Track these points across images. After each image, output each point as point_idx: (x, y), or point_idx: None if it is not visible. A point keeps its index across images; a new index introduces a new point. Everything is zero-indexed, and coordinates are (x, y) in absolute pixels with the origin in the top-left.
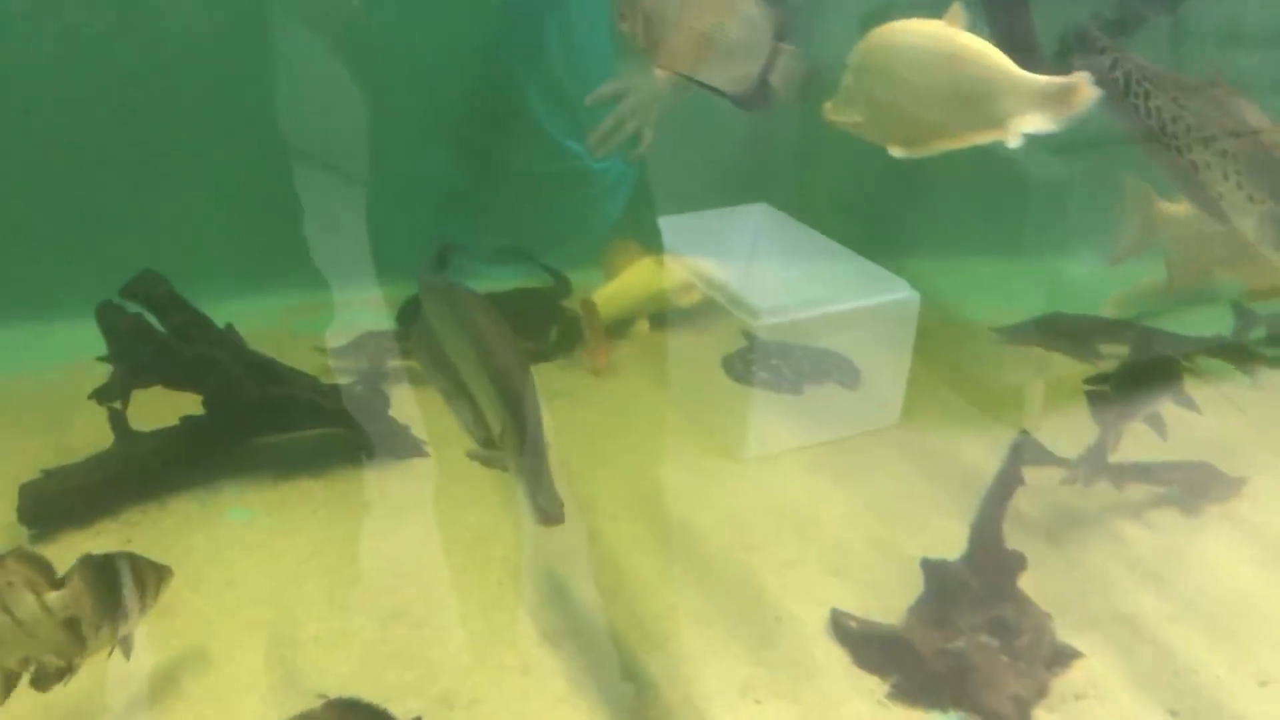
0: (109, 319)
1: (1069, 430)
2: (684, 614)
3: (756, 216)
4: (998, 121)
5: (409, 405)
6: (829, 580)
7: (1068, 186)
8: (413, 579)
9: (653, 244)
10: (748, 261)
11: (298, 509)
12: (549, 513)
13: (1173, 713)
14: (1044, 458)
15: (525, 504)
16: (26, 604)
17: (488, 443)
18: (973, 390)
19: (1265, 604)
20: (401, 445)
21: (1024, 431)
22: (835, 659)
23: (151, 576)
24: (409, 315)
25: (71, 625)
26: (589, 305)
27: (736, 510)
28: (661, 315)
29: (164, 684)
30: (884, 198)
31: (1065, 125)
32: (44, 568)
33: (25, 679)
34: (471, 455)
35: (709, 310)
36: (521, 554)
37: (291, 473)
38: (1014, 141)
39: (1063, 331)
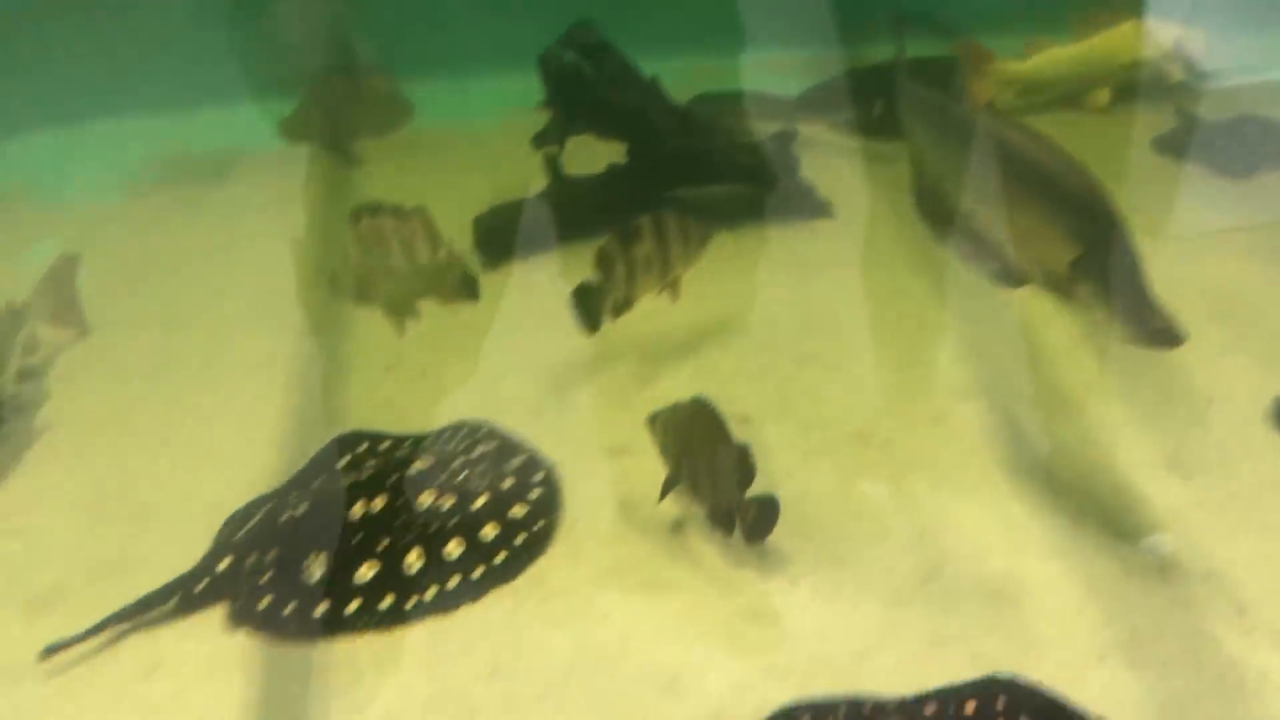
0: (550, 66)
1: None
2: (1104, 386)
3: None
4: None
5: (816, 168)
6: (1269, 369)
7: None
8: (825, 328)
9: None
10: (1188, 25)
11: (711, 257)
12: (1167, 332)
13: None
14: None
15: (1120, 325)
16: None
17: (1019, 272)
18: None
19: None
20: (809, 205)
21: None
22: (1277, 446)
23: (697, 234)
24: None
25: (630, 267)
26: (966, 46)
27: (1162, 290)
28: (1127, 85)
29: (599, 392)
30: None
31: None
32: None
33: None
34: (1021, 282)
35: (1152, 81)
36: (936, 313)
37: (705, 224)
38: None
39: None
